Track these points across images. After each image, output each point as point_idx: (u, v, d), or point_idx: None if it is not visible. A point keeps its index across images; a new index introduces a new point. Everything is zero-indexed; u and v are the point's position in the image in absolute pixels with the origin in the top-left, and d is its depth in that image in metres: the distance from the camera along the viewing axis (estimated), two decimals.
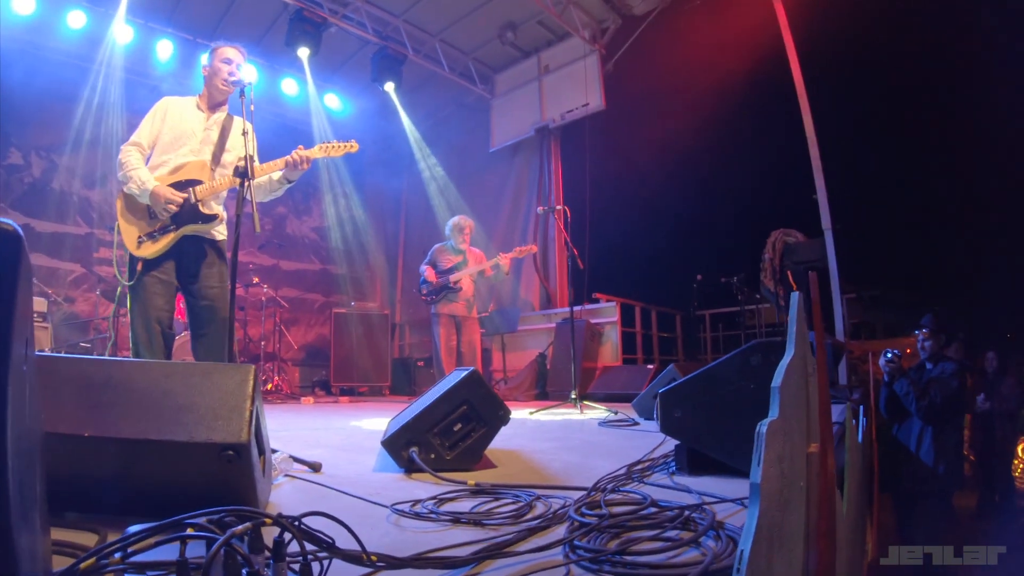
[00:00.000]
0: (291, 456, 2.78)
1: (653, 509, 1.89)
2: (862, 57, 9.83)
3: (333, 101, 12.16)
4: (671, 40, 9.66)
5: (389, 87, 10.89)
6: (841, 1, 8.70)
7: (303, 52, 9.73)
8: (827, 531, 1.55)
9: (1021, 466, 7.63)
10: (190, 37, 10.11)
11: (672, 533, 1.67)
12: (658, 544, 1.59)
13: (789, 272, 8.80)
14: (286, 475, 2.64)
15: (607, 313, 9.99)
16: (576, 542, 1.58)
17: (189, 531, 1.15)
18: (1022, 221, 9.02)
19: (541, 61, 11.53)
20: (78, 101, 9.48)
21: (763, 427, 1.14)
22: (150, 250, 3.64)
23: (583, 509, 1.89)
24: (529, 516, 1.92)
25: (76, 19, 9.01)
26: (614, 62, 10.65)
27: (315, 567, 1.20)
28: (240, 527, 1.08)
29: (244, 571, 1.02)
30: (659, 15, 10.10)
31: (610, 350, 9.81)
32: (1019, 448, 7.58)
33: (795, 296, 1.54)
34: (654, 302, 11.02)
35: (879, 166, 11.11)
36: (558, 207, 7.24)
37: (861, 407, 5.71)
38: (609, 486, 2.31)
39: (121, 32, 9.24)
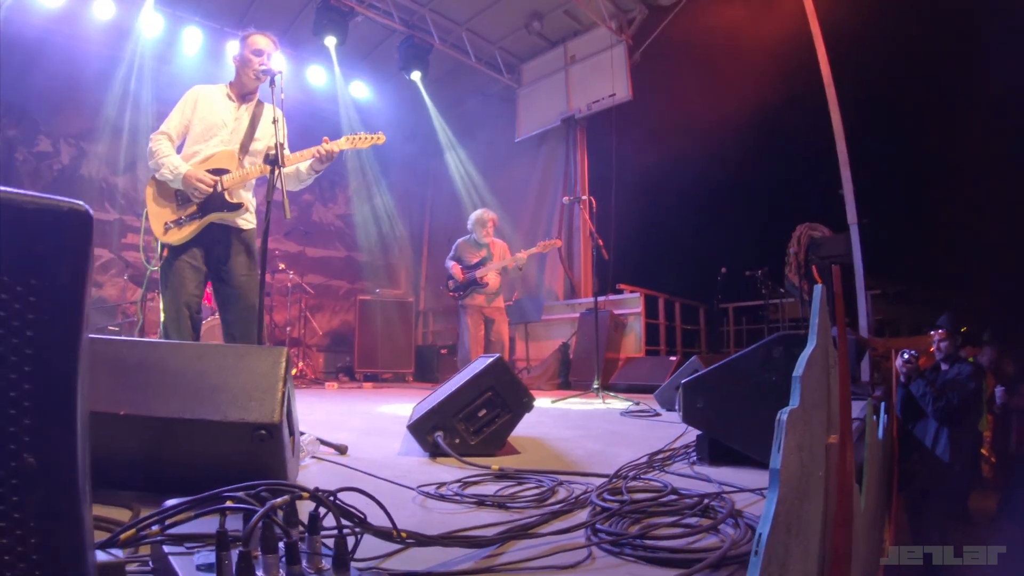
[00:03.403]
0: (318, 439, 2.84)
1: (673, 496, 1.92)
2: (891, 50, 9.69)
3: (360, 90, 12.22)
4: (698, 31, 9.60)
5: (416, 76, 10.94)
6: None
7: (330, 41, 9.80)
8: (844, 522, 1.57)
9: None
10: (217, 26, 10.21)
11: (692, 520, 1.71)
12: (678, 530, 1.62)
13: (814, 267, 8.72)
14: (313, 456, 2.70)
15: (631, 304, 9.99)
16: (598, 526, 1.62)
17: (228, 503, 1.20)
18: None
19: (567, 51, 11.49)
20: (106, 89, 9.62)
21: (783, 415, 1.16)
22: (176, 237, 3.70)
23: (605, 495, 1.93)
24: (552, 500, 1.96)
25: (105, 8, 9.09)
26: (641, 52, 10.60)
27: (348, 541, 1.24)
28: (280, 499, 1.12)
29: (281, 542, 1.06)
30: (686, 5, 10.01)
31: (633, 341, 9.82)
32: None
33: (818, 289, 1.55)
34: (678, 294, 11.00)
35: (907, 161, 10.95)
36: (584, 197, 7.26)
37: (883, 404, 5.68)
38: (631, 474, 2.35)
39: (149, 21, 9.36)
